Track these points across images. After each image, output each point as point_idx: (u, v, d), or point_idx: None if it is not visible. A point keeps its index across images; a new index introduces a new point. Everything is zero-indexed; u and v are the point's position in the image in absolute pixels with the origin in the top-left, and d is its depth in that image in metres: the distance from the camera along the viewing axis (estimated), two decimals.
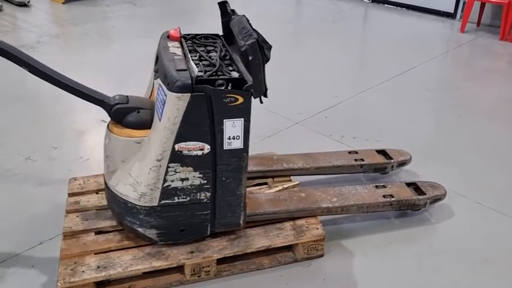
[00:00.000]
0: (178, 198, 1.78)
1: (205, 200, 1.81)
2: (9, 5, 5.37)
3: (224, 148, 1.74)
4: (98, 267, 1.78)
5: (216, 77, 1.68)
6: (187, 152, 1.71)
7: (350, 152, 2.55)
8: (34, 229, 2.15)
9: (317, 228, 2.03)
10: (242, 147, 1.76)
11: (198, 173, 1.75)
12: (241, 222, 1.93)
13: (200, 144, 1.71)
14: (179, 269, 1.88)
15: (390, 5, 5.98)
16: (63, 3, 5.53)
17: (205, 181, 1.78)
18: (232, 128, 1.72)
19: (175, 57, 1.78)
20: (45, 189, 2.42)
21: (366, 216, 2.30)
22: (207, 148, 1.72)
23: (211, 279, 1.90)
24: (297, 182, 2.33)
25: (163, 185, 1.74)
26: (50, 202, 2.29)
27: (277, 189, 2.26)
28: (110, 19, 5.22)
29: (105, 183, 1.89)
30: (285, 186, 2.30)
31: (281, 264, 2.00)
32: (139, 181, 1.74)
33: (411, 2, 5.80)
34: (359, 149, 2.60)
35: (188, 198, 1.79)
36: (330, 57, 4.40)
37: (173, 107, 1.65)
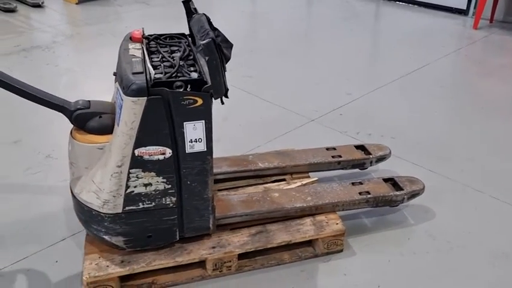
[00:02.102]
0: (143, 204, 1.75)
1: (171, 205, 1.78)
2: (24, 6, 5.39)
3: (186, 151, 1.71)
4: (122, 261, 1.81)
5: (175, 79, 1.64)
6: (148, 157, 1.68)
7: (327, 149, 2.51)
8: (55, 226, 2.18)
9: (337, 224, 2.05)
10: (205, 149, 1.73)
11: (161, 177, 1.72)
12: (210, 225, 1.90)
13: (161, 148, 1.68)
14: (201, 264, 1.91)
15: (402, 2, 5.93)
16: (76, 3, 5.54)
17: (170, 186, 1.74)
18: (193, 130, 1.69)
19: (133, 59, 1.74)
20: (67, 186, 2.39)
21: (386, 210, 2.32)
22: (169, 152, 1.69)
23: (232, 274, 1.94)
24: (316, 178, 2.35)
25: (125, 191, 1.71)
26: (70, 199, 2.25)
27: (296, 185, 2.28)
28: (124, 19, 5.22)
29: (71, 191, 1.87)
30: (304, 182, 2.30)
31: (301, 259, 2.04)
32: (102, 188, 1.72)
33: None
34: (337, 145, 2.56)
35: (153, 203, 1.76)
36: (342, 55, 4.39)
37: (129, 112, 1.61)
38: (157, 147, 1.67)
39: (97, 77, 3.67)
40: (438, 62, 4.23)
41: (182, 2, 2.00)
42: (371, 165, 2.52)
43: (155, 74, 1.64)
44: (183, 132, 1.67)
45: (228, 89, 1.73)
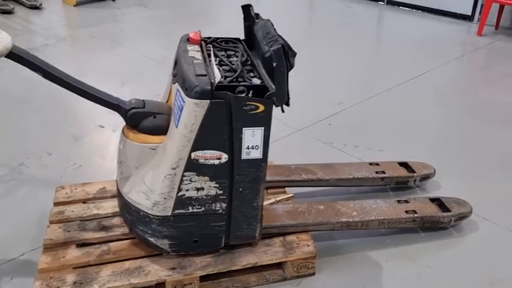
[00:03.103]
0: (193, 208, 1.71)
1: (220, 211, 1.74)
2: (22, 8, 5.36)
3: (242, 158, 1.67)
4: (75, 283, 1.70)
5: (237, 83, 1.61)
6: (203, 160, 1.64)
7: (371, 164, 2.46)
8: (17, 239, 2.07)
9: (308, 245, 1.92)
10: (261, 157, 1.68)
11: (214, 182, 1.68)
12: (256, 235, 1.85)
13: (217, 153, 1.64)
14: (160, 286, 1.78)
15: (406, 7, 5.83)
16: (74, 5, 5.51)
17: (221, 191, 1.70)
18: (251, 137, 1.64)
19: (194, 61, 1.71)
20: (35, 197, 2.35)
21: (361, 233, 2.18)
22: (225, 157, 1.65)
23: None
24: (292, 195, 2.23)
25: (177, 194, 1.67)
26: (37, 211, 2.20)
27: (271, 201, 2.16)
28: (119, 22, 5.19)
29: (117, 189, 1.83)
30: (278, 199, 2.19)
31: (269, 283, 1.89)
32: (153, 189, 1.68)
33: (427, 4, 5.65)
34: (381, 161, 2.49)
35: (203, 208, 1.71)
36: (338, 61, 4.28)
37: (191, 114, 1.58)
38: (214, 151, 1.63)
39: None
40: (438, 69, 4.09)
41: (242, 6, 1.97)
42: (414, 184, 2.46)
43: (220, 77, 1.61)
44: (241, 137, 1.63)
45: (289, 97, 1.69)
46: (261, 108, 1.60)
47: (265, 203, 2.14)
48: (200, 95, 1.56)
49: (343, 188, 2.42)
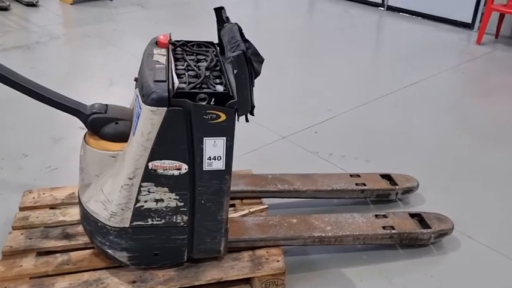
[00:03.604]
0: (152, 220, 1.63)
1: (181, 224, 1.66)
2: (18, 5, 5.35)
3: (204, 169, 1.59)
4: None
5: (198, 91, 1.53)
6: (162, 171, 1.56)
7: (351, 175, 2.37)
8: None
9: (278, 261, 1.83)
10: (224, 168, 1.61)
11: (174, 194, 1.61)
12: (221, 249, 1.77)
13: (177, 163, 1.57)
14: None
15: (406, 13, 5.74)
16: (71, 4, 5.50)
17: (182, 203, 1.63)
18: (213, 147, 1.57)
19: (156, 65, 1.64)
20: (3, 200, 2.29)
21: (337, 248, 2.09)
22: (185, 168, 1.58)
23: None
24: (266, 206, 2.15)
25: (135, 205, 1.60)
26: (4, 216, 2.13)
27: (243, 212, 2.09)
28: (114, 21, 5.16)
29: (78, 197, 1.76)
30: (252, 210, 2.11)
31: None
32: (110, 199, 1.61)
33: (427, 11, 5.55)
34: (362, 172, 2.41)
35: (163, 220, 1.64)
36: (332, 67, 4.21)
37: (147, 121, 1.51)
38: (173, 161, 1.56)
39: (70, 82, 3.55)
40: (432, 78, 3.99)
41: (214, 9, 1.90)
42: (396, 197, 2.37)
43: (179, 83, 1.53)
44: (202, 148, 1.56)
45: (254, 106, 1.61)
46: (223, 117, 1.53)
47: (238, 214, 2.07)
48: (157, 102, 1.48)
49: (324, 199, 2.34)
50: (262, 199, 2.21)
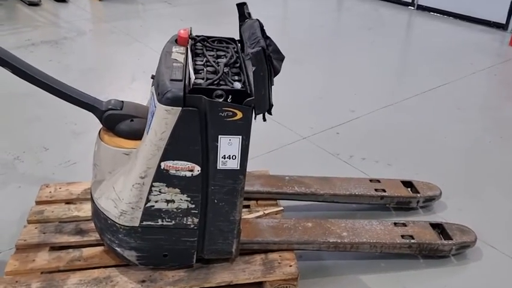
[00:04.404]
0: (162, 221, 1.60)
1: (192, 226, 1.63)
2: (49, 1, 5.41)
3: (218, 167, 1.55)
4: None
5: (216, 87, 1.49)
6: (174, 171, 1.53)
7: (371, 180, 2.30)
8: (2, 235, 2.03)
9: (290, 266, 1.78)
10: (238, 168, 1.56)
11: (185, 195, 1.57)
12: (233, 250, 1.73)
13: (189, 164, 1.53)
14: None
15: (437, 13, 5.54)
16: (100, 0, 5.53)
17: (193, 205, 1.59)
18: (228, 145, 1.52)
19: (174, 64, 1.60)
20: (22, 194, 2.30)
21: (354, 254, 2.03)
22: (197, 170, 1.54)
23: None
24: (281, 208, 2.11)
25: (145, 204, 1.57)
26: (21, 208, 2.14)
27: (258, 214, 2.05)
28: (141, 18, 5.18)
29: (90, 193, 1.75)
30: (267, 212, 2.07)
31: None
32: (121, 197, 1.59)
33: (459, 11, 5.36)
34: (383, 178, 2.34)
35: (173, 222, 1.61)
36: (357, 67, 4.10)
37: (161, 121, 1.47)
38: (186, 162, 1.52)
39: (94, 77, 3.58)
40: (462, 80, 3.84)
41: (236, 4, 1.85)
42: (417, 205, 2.29)
43: (195, 79, 1.50)
44: (217, 146, 1.51)
45: (272, 105, 1.56)
46: (239, 115, 1.48)
47: (252, 215, 2.03)
48: (171, 101, 1.45)
49: (343, 204, 2.27)
50: (278, 201, 2.17)
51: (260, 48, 1.44)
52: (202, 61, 1.65)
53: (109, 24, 4.85)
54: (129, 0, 5.62)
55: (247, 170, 1.62)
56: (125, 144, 1.66)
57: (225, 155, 1.54)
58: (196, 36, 1.82)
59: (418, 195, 2.25)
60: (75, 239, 1.86)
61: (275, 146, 2.80)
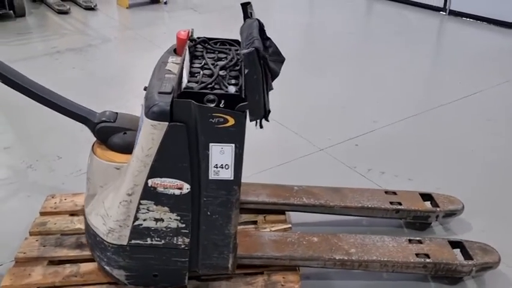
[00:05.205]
0: (151, 240, 1.52)
1: (182, 246, 1.54)
2: (78, 9, 5.46)
3: (210, 177, 1.44)
4: None
5: (208, 91, 1.38)
6: (162, 189, 1.45)
7: (386, 192, 2.15)
8: (1, 248, 1.98)
9: None
10: (232, 178, 1.45)
11: (174, 214, 1.49)
12: (229, 265, 1.62)
13: (178, 182, 1.44)
14: None
15: (470, 18, 5.17)
16: (127, 8, 5.54)
17: (183, 225, 1.50)
18: (219, 154, 1.42)
19: (166, 75, 1.52)
20: (31, 203, 2.24)
21: (363, 274, 1.88)
22: (186, 188, 1.45)
23: None
24: (289, 226, 1.98)
25: (133, 222, 1.49)
26: (28, 218, 2.05)
27: (264, 231, 1.93)
28: (166, 25, 5.14)
29: (83, 207, 1.70)
30: (273, 229, 1.95)
31: None
32: (110, 214, 1.52)
33: (494, 16, 4.97)
34: (400, 190, 2.18)
35: (163, 241, 1.53)
36: (382, 74, 3.87)
37: (147, 136, 1.39)
38: (174, 180, 1.44)
39: (115, 84, 3.56)
40: (492, 90, 3.54)
41: (241, 4, 1.74)
42: (436, 220, 2.12)
43: (188, 82, 1.40)
44: (208, 155, 1.41)
45: (269, 111, 1.44)
46: (231, 121, 1.37)
47: (259, 232, 1.92)
48: (158, 116, 1.36)
49: (359, 218, 2.13)
50: (287, 216, 2.05)
51: (253, 49, 1.33)
52: (200, 64, 1.56)
53: (133, 31, 4.85)
54: (155, 8, 5.59)
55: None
56: (117, 158, 1.59)
57: (217, 165, 1.43)
58: (197, 37, 1.72)
59: (438, 209, 2.08)
60: (74, 253, 1.80)
61: (289, 158, 2.66)
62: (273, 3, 5.86)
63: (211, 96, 1.36)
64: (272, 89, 1.51)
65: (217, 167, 1.44)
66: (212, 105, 1.36)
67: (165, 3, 5.65)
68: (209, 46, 1.68)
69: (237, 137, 1.40)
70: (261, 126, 1.44)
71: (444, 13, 5.37)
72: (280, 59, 1.48)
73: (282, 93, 3.36)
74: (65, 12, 5.24)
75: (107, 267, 1.59)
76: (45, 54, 4.16)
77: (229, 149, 1.41)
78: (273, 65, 1.42)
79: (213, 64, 1.54)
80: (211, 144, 1.40)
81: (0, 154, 2.72)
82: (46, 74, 3.65)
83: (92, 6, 5.41)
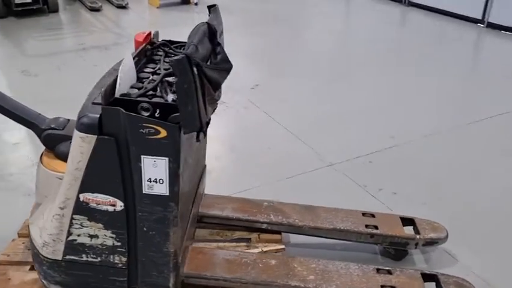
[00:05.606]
0: (87, 257, 1.46)
1: (120, 265, 1.46)
2: (110, 7, 5.51)
3: (143, 191, 1.36)
4: None
5: (145, 99, 1.29)
6: (95, 205, 1.38)
7: (364, 214, 2.00)
8: None
9: None
10: (167, 194, 1.36)
11: (109, 232, 1.41)
12: (170, 285, 1.52)
13: (110, 198, 1.36)
14: None
15: (510, 31, 4.85)
16: (158, 7, 5.56)
17: (119, 243, 1.43)
18: (152, 167, 1.32)
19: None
20: (28, 202, 2.21)
21: None
22: (120, 205, 1.37)
23: None
24: (283, 247, 1.87)
25: (67, 237, 1.43)
26: (24, 219, 1.97)
27: (256, 251, 1.83)
28: (187, 25, 5.06)
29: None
30: (265, 249, 1.84)
31: None
32: (45, 226, 1.46)
33: None
34: (380, 212, 2.03)
35: (99, 258, 1.46)
36: (409, 86, 3.68)
37: (77, 149, 1.32)
38: (107, 196, 1.36)
39: None
40: None
41: (207, 6, 1.66)
42: (415, 248, 1.96)
43: (130, 88, 1.33)
44: (140, 167, 1.32)
45: (208, 123, 1.33)
46: (163, 133, 1.27)
47: (250, 251, 1.83)
48: (86, 128, 1.29)
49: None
50: (284, 234, 1.95)
51: (183, 56, 1.21)
52: (154, 68, 1.48)
53: (161, 30, 4.79)
54: (186, 9, 5.59)
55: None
56: (61, 167, 1.52)
57: (150, 178, 1.34)
58: (162, 40, 1.65)
59: (418, 236, 1.92)
60: None
61: (293, 172, 2.52)
62: (311, 10, 5.72)
63: (145, 105, 1.27)
64: (217, 99, 1.41)
65: (150, 181, 1.35)
66: (146, 114, 1.27)
67: (196, 4, 5.63)
68: (171, 50, 1.59)
69: (170, 150, 1.30)
70: (198, 140, 1.33)
71: (482, 25, 5.08)
72: (226, 67, 1.38)
73: (297, 101, 3.30)
74: (97, 10, 5.33)
75: (44, 281, 1.54)
76: (71, 50, 4.21)
77: (162, 162, 1.31)
78: (212, 73, 1.31)
79: (166, 69, 1.45)
80: (142, 156, 1.31)
81: (8, 149, 2.74)
82: (67, 70, 3.72)
83: (124, 4, 5.47)
